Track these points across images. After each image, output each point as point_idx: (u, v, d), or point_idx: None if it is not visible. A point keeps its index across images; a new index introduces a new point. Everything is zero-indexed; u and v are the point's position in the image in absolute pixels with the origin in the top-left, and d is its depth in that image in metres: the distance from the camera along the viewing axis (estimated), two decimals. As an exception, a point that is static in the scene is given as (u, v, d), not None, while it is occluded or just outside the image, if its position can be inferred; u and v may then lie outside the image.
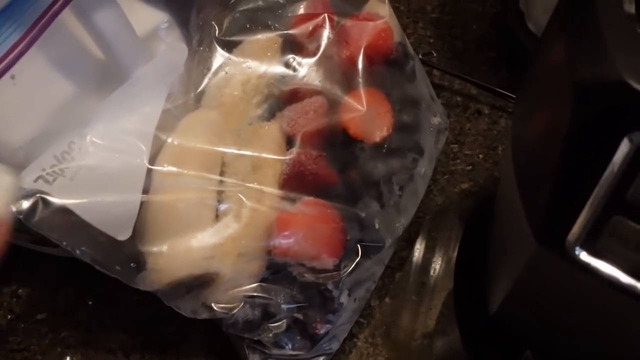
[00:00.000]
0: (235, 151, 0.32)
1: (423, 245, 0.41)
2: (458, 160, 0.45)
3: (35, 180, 0.26)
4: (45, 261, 0.41)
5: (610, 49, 0.19)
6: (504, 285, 0.29)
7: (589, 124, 0.19)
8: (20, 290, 0.41)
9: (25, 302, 0.40)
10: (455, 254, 0.41)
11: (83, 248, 0.28)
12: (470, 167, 0.45)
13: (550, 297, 0.25)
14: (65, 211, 0.27)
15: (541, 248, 0.22)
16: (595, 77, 0.19)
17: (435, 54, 0.50)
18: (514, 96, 0.46)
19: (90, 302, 0.40)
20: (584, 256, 0.21)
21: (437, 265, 0.40)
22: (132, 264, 0.30)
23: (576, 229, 0.21)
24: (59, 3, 0.26)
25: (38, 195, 0.27)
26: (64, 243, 0.28)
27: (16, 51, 0.25)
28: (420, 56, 0.45)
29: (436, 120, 0.38)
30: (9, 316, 0.40)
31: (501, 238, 0.31)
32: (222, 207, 0.32)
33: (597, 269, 0.21)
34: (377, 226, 0.33)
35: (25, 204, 0.27)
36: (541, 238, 0.22)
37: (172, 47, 0.32)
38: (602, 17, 0.20)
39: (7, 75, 0.26)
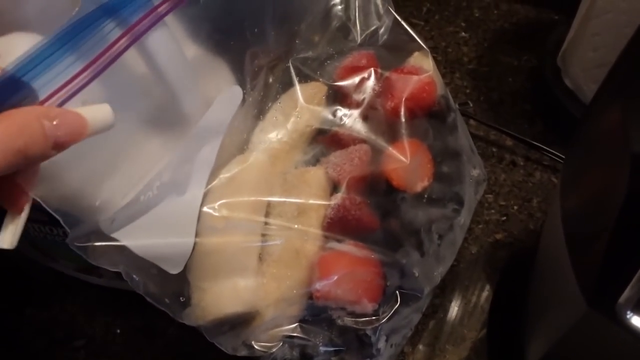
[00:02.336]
0: (283, 199, 0.33)
1: (456, 294, 0.42)
2: (493, 211, 0.46)
3: (100, 222, 0.27)
4: (85, 289, 0.42)
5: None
6: (544, 342, 0.30)
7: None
8: (59, 316, 0.42)
9: (64, 328, 0.41)
10: (489, 304, 0.41)
11: (137, 279, 0.29)
12: (504, 218, 0.45)
13: (595, 358, 0.26)
14: (121, 246, 0.29)
15: (591, 310, 0.23)
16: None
17: (471, 104, 0.52)
18: (549, 149, 0.47)
19: (127, 333, 0.41)
20: (635, 320, 0.21)
21: (469, 314, 0.41)
22: (180, 298, 0.31)
23: (628, 292, 0.21)
24: (125, 39, 0.26)
25: (96, 232, 0.29)
26: (121, 271, 0.29)
27: (76, 81, 0.25)
28: (457, 106, 0.46)
29: (476, 172, 0.39)
30: (46, 341, 0.41)
31: (542, 295, 0.31)
32: (267, 248, 0.33)
33: (648, 334, 0.21)
34: (416, 274, 0.34)
35: (84, 240, 0.29)
36: (591, 300, 0.22)
37: (230, 91, 0.34)
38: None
39: (79, 102, 0.27)
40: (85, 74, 0.25)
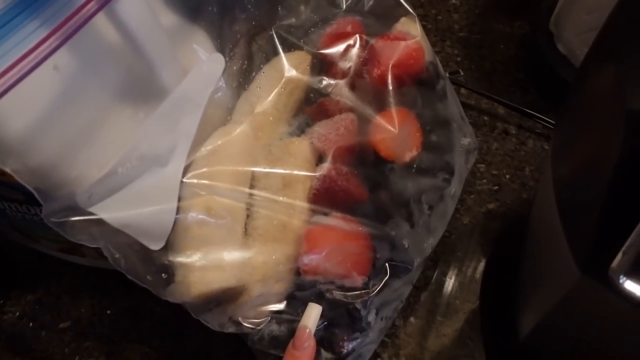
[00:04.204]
0: (267, 170, 0.32)
1: (449, 265, 0.41)
2: (484, 180, 0.45)
3: (77, 196, 0.26)
4: (70, 270, 0.41)
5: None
6: (537, 311, 0.29)
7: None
8: (44, 298, 0.41)
9: (50, 310, 0.41)
10: (482, 275, 0.40)
11: (117, 255, 0.28)
12: (496, 187, 0.44)
13: (589, 325, 0.25)
14: (100, 220, 0.28)
15: (584, 276, 0.22)
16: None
17: (462, 73, 0.50)
18: (542, 117, 0.46)
19: (114, 314, 0.40)
20: (628, 285, 0.20)
21: (463, 286, 0.40)
22: (163, 275, 0.30)
23: (620, 257, 0.20)
24: (93, 3, 0.25)
25: (73, 207, 0.27)
26: (101, 247, 0.28)
27: (44, 46, 0.24)
28: (447, 75, 0.45)
29: (466, 140, 0.38)
30: (32, 324, 0.40)
31: (535, 263, 0.30)
32: (253, 222, 0.32)
33: (642, 299, 0.20)
34: (406, 246, 0.33)
35: (61, 215, 0.27)
36: (585, 266, 0.22)
37: (210, 58, 0.32)
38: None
39: (50, 66, 0.26)
40: (52, 39, 0.24)
